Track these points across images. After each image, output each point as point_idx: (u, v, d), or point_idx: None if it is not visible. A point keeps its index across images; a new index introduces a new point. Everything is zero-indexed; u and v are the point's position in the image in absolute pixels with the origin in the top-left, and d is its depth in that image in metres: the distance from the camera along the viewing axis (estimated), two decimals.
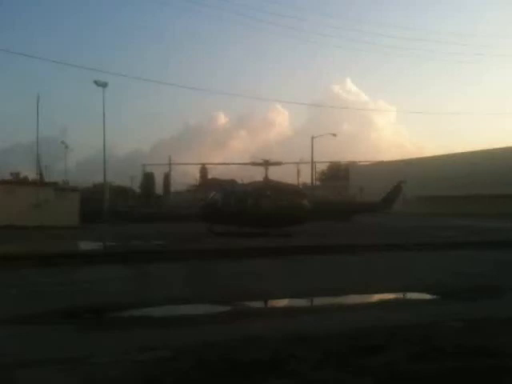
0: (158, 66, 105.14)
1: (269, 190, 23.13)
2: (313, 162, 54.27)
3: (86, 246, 18.16)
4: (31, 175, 47.14)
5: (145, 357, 5.08)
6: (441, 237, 20.50)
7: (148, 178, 62.74)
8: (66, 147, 56.72)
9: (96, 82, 36.01)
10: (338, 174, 76.42)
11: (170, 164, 59.77)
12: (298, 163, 58.88)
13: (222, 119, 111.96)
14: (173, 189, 64.19)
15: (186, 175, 70.23)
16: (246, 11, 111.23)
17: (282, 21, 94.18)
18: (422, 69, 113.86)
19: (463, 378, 4.47)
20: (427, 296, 9.87)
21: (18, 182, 41.17)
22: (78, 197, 27.53)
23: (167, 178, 63.48)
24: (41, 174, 41.87)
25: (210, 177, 68.18)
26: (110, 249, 17.07)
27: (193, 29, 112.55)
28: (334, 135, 53.80)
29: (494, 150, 48.69)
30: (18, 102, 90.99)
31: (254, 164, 26.04)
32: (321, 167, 72.26)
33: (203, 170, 72.79)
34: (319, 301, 9.60)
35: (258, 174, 25.53)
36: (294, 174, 60.06)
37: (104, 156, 36.69)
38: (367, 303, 9.26)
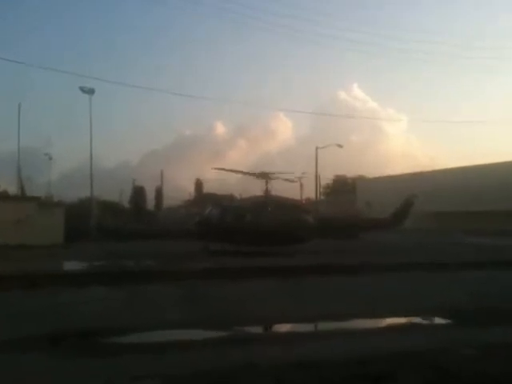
0: (149, 72, 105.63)
1: (269, 206, 23.22)
2: (317, 175, 54.54)
3: (71, 265, 18.17)
4: (11, 188, 47.23)
5: None
6: (454, 255, 20.55)
7: (138, 193, 62.79)
8: (50, 159, 56.88)
9: (82, 89, 36.25)
10: (344, 187, 76.58)
11: (162, 176, 60.10)
12: (301, 177, 59.02)
13: (220, 128, 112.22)
14: (165, 204, 64.24)
15: (179, 189, 70.32)
16: (246, 11, 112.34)
17: (285, 22, 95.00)
18: (435, 74, 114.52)
19: None
20: (441, 320, 9.93)
21: None
22: (63, 213, 27.53)
23: (159, 192, 63.56)
24: (22, 188, 41.96)
25: (205, 191, 68.17)
26: (98, 269, 17.08)
27: (188, 32, 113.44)
28: (340, 146, 53.97)
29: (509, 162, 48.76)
30: None
31: (253, 175, 26.11)
32: (326, 180, 72.58)
33: (198, 184, 72.87)
34: (323, 326, 9.66)
35: (257, 188, 25.64)
36: (296, 187, 60.24)
37: (91, 169, 36.78)
38: (375, 328, 9.33)
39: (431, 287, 13.58)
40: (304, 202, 53.94)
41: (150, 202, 64.97)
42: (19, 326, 8.43)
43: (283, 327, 9.61)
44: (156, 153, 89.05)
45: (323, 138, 74.14)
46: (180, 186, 73.05)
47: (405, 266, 17.30)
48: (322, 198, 69.42)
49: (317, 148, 52.56)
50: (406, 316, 10.18)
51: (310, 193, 62.98)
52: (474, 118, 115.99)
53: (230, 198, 39.64)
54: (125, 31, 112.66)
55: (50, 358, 6.66)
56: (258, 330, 9.43)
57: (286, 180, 25.74)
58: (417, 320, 10.05)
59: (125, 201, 63.02)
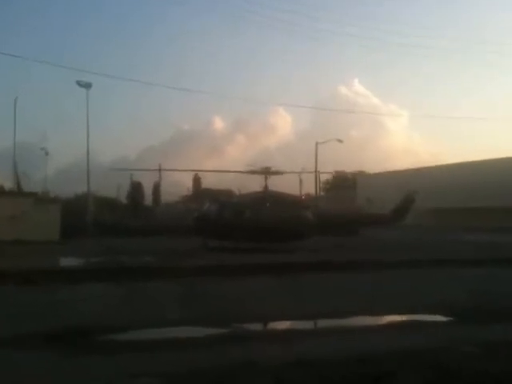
0: (147, 66, 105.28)
1: (268, 202, 23.25)
2: (317, 171, 54.55)
3: (68, 262, 18.23)
4: (7, 184, 47.25)
5: None
6: (454, 252, 20.60)
7: (136, 188, 62.73)
8: (47, 154, 56.77)
9: (79, 83, 36.16)
10: (344, 183, 76.62)
11: (159, 170, 60.06)
12: (300, 172, 59.08)
13: (218, 123, 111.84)
14: (163, 199, 64.22)
15: (177, 185, 70.21)
16: (244, 5, 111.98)
17: (284, 16, 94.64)
18: (437, 70, 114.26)
19: None
20: (441, 318, 9.97)
21: None
22: (59, 208, 27.55)
23: (157, 187, 63.52)
24: (18, 183, 41.97)
25: (203, 187, 68.18)
26: (96, 265, 17.11)
27: (187, 26, 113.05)
28: (340, 141, 54.00)
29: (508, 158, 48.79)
30: None
31: (252, 172, 26.20)
32: (325, 176, 72.59)
33: (196, 180, 72.82)
34: (323, 323, 9.71)
35: (256, 184, 25.70)
36: (296, 183, 60.25)
37: (88, 164, 36.75)
38: (375, 326, 9.38)
39: (431, 285, 13.63)
40: (303, 197, 53.97)
41: (148, 198, 65.02)
42: (16, 324, 8.45)
43: (282, 325, 9.64)
44: (154, 148, 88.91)
45: (323, 133, 74.31)
46: (178, 181, 72.90)
47: (405, 263, 17.40)
48: (322, 193, 69.49)
49: (317, 143, 52.64)
50: (405, 313, 10.23)
51: (309, 188, 63.04)
52: (475, 114, 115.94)
53: (229, 193, 39.64)
54: (121, 25, 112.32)
55: (48, 356, 6.68)
56: (257, 327, 9.48)
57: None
58: (417, 317, 10.09)
59: (122, 196, 63.09)
